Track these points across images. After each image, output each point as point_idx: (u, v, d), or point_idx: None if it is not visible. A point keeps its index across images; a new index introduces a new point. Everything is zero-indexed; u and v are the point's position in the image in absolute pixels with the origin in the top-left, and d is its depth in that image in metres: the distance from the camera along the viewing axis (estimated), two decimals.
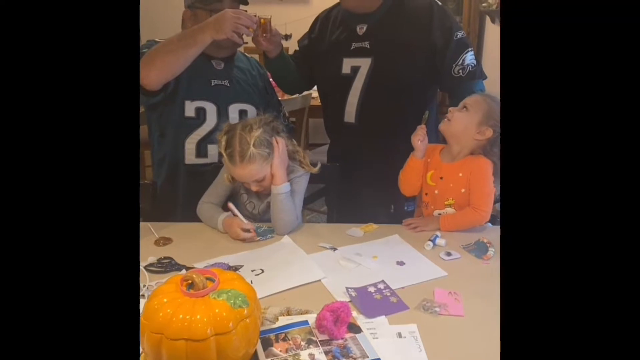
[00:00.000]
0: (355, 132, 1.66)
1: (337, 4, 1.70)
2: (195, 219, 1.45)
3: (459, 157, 1.41)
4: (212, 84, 1.57)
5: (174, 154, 1.60)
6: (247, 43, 1.57)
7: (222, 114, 1.57)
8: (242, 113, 1.60)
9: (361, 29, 1.61)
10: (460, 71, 1.56)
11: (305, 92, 2.91)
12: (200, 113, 1.56)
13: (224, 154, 1.33)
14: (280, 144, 1.37)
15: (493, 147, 1.37)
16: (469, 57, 1.56)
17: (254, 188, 1.39)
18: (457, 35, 1.56)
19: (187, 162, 1.59)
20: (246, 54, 1.76)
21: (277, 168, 1.36)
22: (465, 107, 1.38)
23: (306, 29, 1.81)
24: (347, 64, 1.63)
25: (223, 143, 1.33)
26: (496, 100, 1.36)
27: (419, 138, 1.41)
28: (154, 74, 1.42)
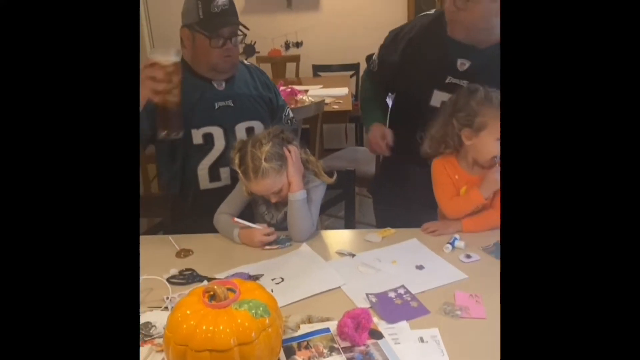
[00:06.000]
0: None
1: (413, 21, 1.56)
2: (215, 230, 1.47)
3: (475, 168, 1.40)
4: (216, 107, 1.57)
5: (186, 180, 1.61)
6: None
7: (230, 135, 1.57)
8: (249, 130, 1.60)
9: (462, 65, 1.44)
10: None
11: (319, 99, 2.92)
12: (208, 138, 1.56)
13: (239, 171, 1.36)
14: (293, 152, 1.38)
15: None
16: None
17: (273, 199, 1.41)
18: None
19: (202, 188, 1.60)
20: (246, 62, 1.72)
21: (292, 176, 1.37)
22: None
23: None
24: (437, 97, 1.47)
25: (236, 160, 1.36)
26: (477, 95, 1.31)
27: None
28: None
